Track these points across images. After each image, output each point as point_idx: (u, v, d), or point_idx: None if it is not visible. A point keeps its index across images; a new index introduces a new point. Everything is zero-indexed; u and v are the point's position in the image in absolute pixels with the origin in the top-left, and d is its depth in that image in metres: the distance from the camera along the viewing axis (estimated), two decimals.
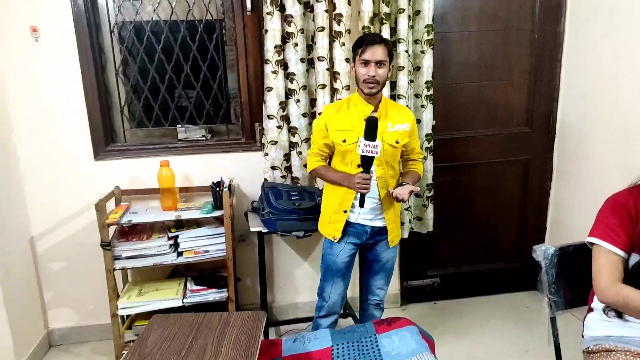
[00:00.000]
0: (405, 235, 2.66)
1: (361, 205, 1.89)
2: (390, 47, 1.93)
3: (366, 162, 1.80)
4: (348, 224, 2.00)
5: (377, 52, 1.82)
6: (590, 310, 1.50)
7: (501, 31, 2.71)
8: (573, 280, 1.57)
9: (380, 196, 1.95)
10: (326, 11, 2.31)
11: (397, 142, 1.94)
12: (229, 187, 2.33)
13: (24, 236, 2.40)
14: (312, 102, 2.49)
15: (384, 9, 2.35)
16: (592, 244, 1.41)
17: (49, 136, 2.37)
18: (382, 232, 2.03)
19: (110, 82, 2.49)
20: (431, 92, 2.51)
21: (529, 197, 2.97)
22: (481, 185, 2.90)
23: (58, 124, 2.37)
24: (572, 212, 2.80)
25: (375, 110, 1.91)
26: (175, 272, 2.56)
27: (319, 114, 2.42)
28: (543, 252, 1.54)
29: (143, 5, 2.44)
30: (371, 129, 1.75)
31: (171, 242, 2.27)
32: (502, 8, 2.68)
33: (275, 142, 2.44)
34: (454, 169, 2.83)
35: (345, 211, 1.97)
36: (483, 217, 2.95)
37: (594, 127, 2.56)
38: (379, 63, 1.83)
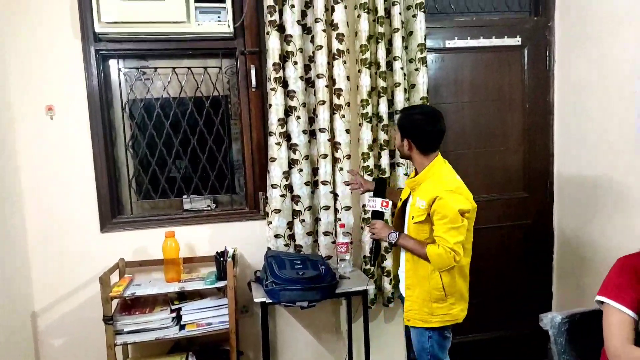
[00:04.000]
0: None
1: (371, 255, 2.08)
2: (399, 118, 2.01)
3: (374, 216, 2.04)
4: None
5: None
6: None
7: (493, 101, 2.84)
8: (584, 348, 1.54)
9: (406, 268, 1.97)
10: (327, 86, 2.45)
11: (412, 218, 1.90)
12: (233, 257, 2.33)
13: (26, 310, 2.38)
14: (315, 171, 2.56)
15: (381, 83, 2.49)
16: (601, 302, 1.39)
17: (57, 210, 2.41)
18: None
19: (119, 156, 2.58)
20: None
21: (533, 261, 2.96)
22: (483, 251, 2.86)
23: (67, 198, 2.42)
24: (579, 276, 2.77)
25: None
26: (177, 346, 2.49)
27: (322, 182, 2.49)
28: (550, 320, 1.53)
29: (153, 83, 2.58)
30: (377, 188, 2.05)
31: (174, 314, 2.24)
32: (493, 79, 2.83)
33: (278, 211, 2.48)
34: None
35: None
36: (487, 283, 2.91)
37: (592, 189, 2.61)
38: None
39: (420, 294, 1.91)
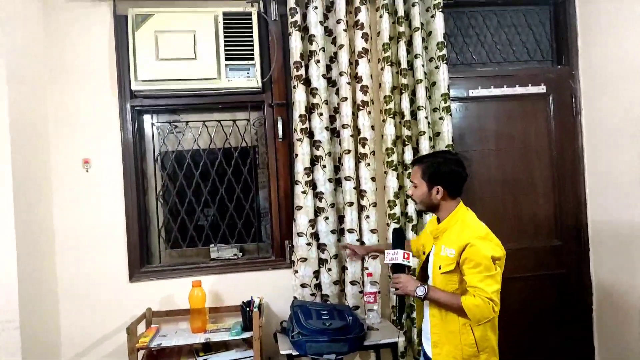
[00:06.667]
0: None
1: (395, 311, 1.98)
2: (425, 167, 1.82)
3: (395, 270, 1.88)
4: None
5: (412, 173, 1.90)
6: None
7: (520, 148, 2.83)
8: None
9: (432, 324, 1.81)
10: (352, 136, 2.49)
11: (439, 268, 1.75)
12: (259, 307, 2.31)
13: None
14: (340, 219, 2.56)
15: (406, 132, 2.52)
16: None
17: (89, 259, 2.47)
18: None
19: (150, 206, 2.65)
20: None
21: (570, 314, 2.82)
22: (516, 301, 2.77)
23: (98, 248, 2.48)
24: (622, 328, 2.62)
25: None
26: None
27: (348, 230, 2.49)
28: None
29: (184, 136, 2.69)
30: (395, 239, 1.91)
31: None
32: (518, 127, 2.83)
33: (304, 259, 2.47)
34: None
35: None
36: (519, 337, 2.76)
37: (630, 237, 2.52)
38: (412, 183, 1.87)
39: (450, 352, 1.74)
